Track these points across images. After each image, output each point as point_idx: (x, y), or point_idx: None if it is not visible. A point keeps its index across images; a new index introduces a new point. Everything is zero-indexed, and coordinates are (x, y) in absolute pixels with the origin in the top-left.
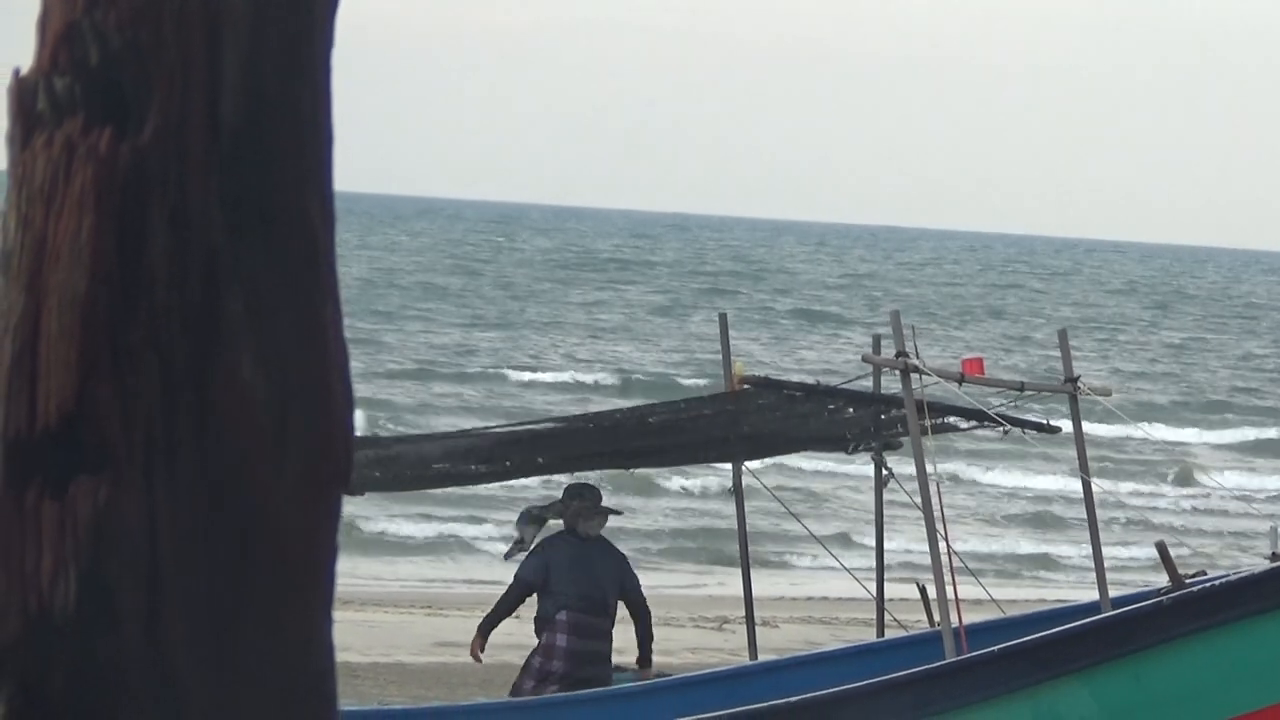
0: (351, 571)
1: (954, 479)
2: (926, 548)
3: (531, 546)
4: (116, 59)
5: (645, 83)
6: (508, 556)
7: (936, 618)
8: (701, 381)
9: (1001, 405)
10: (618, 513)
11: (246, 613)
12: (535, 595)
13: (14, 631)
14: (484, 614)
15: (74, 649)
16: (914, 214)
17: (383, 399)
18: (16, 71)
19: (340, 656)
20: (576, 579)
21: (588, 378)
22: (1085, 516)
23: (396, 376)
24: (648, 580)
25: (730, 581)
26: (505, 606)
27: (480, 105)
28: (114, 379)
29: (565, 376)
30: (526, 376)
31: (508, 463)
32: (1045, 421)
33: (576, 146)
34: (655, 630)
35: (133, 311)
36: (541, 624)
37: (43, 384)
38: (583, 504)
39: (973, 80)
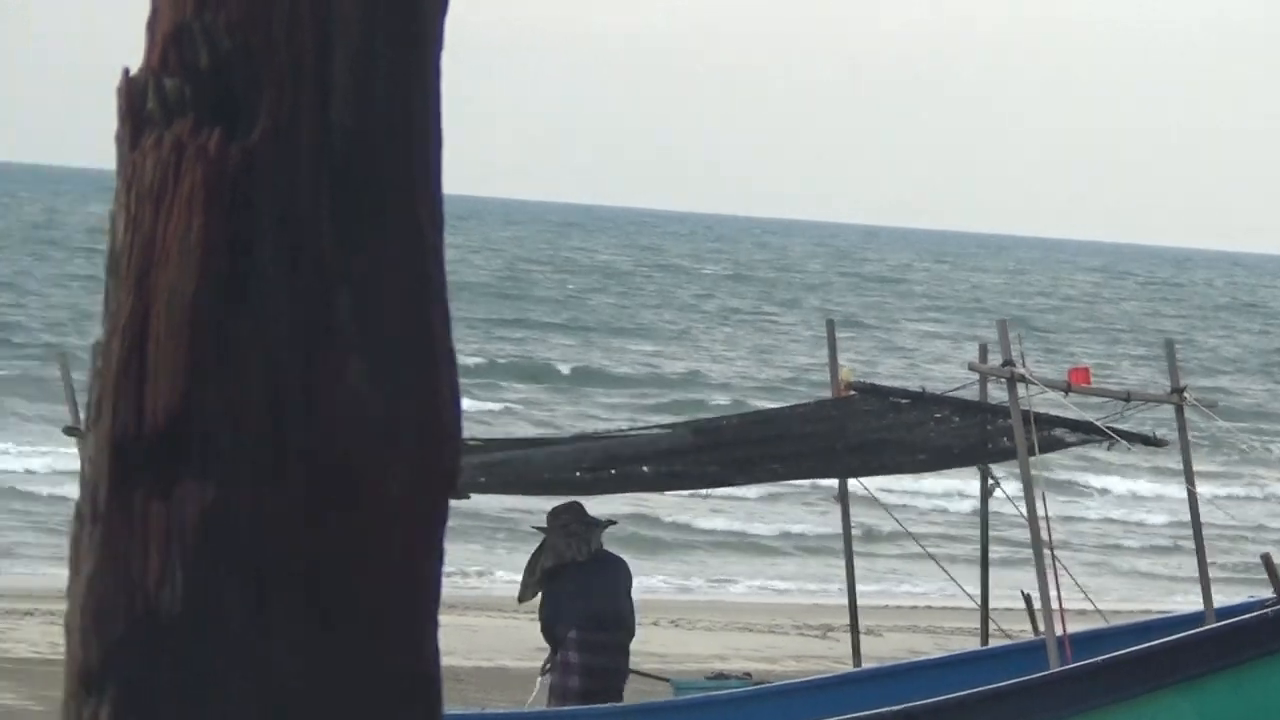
0: (455, 575)
1: (1065, 485)
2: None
3: (540, 589)
4: (226, 60)
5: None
6: (521, 600)
7: (1041, 627)
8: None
9: (1108, 417)
10: (612, 522)
11: (352, 616)
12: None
13: (119, 633)
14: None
15: (179, 651)
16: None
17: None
18: (126, 71)
19: (444, 660)
20: (585, 599)
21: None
22: (1191, 527)
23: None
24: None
25: (835, 589)
26: (552, 650)
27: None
28: (222, 381)
29: None
30: None
31: (612, 470)
32: (1152, 434)
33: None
34: (759, 636)
35: (241, 313)
36: (556, 644)
37: (150, 386)
38: (565, 524)
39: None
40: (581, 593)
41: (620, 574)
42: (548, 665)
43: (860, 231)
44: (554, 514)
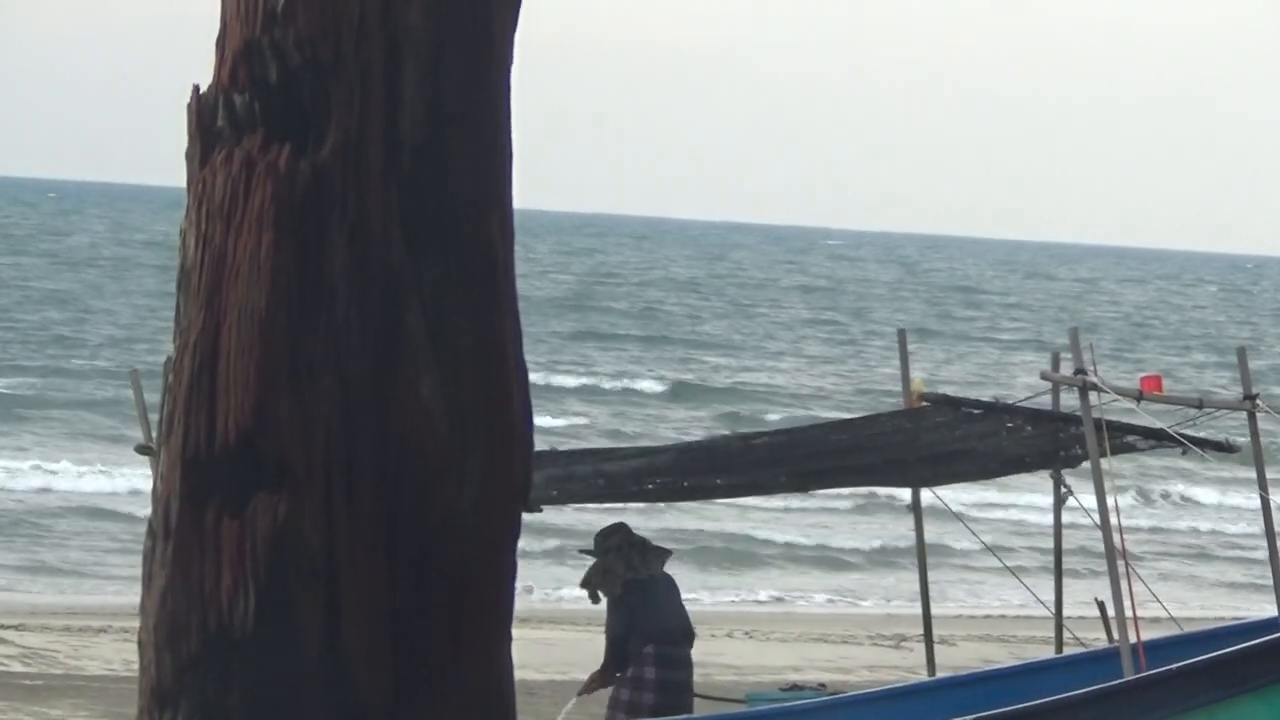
0: (528, 589)
1: (1140, 493)
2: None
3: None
4: (296, 76)
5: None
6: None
7: (1115, 634)
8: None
9: (1180, 424)
10: (668, 552)
11: (425, 630)
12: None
13: (193, 650)
14: (598, 670)
15: (253, 667)
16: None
17: None
18: (196, 88)
19: (517, 674)
20: (659, 614)
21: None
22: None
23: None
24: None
25: (908, 599)
26: (613, 667)
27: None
28: (293, 396)
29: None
30: None
31: (685, 483)
32: (1225, 440)
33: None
34: (833, 647)
35: (312, 328)
36: (627, 660)
37: (222, 401)
38: (617, 546)
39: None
40: (654, 608)
41: (677, 588)
42: (595, 682)
43: (923, 241)
44: (604, 535)
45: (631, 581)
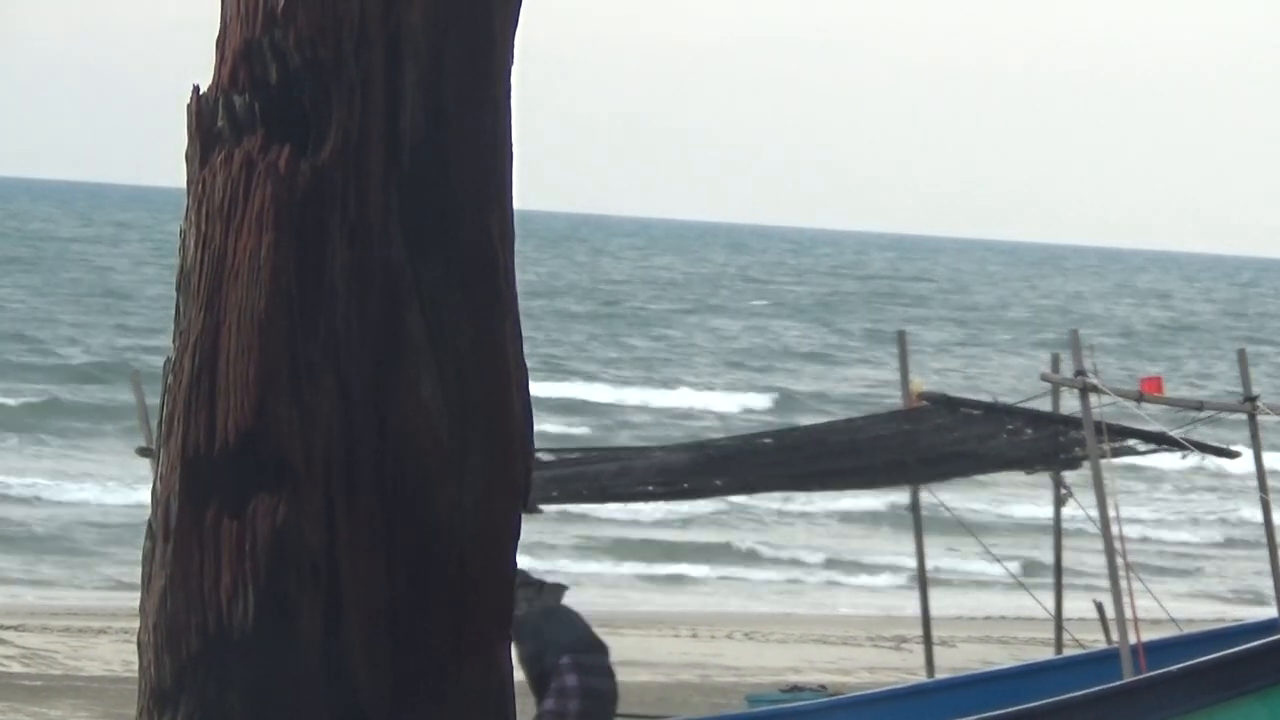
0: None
1: (1140, 495)
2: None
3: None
4: (296, 77)
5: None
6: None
7: (1114, 636)
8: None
9: (1182, 427)
10: (564, 587)
11: (426, 631)
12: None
13: (192, 650)
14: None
15: (253, 667)
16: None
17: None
18: (195, 89)
19: (518, 675)
20: (565, 629)
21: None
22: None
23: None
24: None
25: (907, 601)
26: (539, 693)
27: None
28: (293, 397)
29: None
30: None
31: (685, 484)
32: (1225, 446)
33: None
34: (833, 649)
35: (312, 329)
36: (547, 677)
37: (222, 402)
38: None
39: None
40: (559, 623)
41: (579, 614)
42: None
43: (924, 242)
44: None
45: (528, 612)
